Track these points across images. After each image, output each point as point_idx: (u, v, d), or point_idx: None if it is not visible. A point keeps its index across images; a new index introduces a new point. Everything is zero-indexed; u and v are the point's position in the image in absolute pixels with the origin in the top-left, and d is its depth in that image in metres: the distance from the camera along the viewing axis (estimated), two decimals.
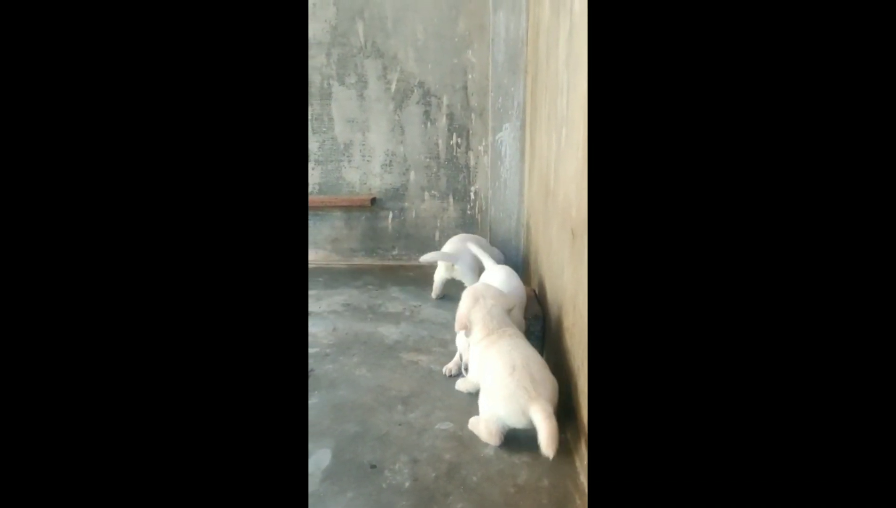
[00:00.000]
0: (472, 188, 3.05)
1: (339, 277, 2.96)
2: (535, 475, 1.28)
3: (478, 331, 1.50)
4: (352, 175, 3.08)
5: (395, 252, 3.16)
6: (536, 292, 2.25)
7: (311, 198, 3.06)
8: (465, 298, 1.58)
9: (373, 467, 1.32)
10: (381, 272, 3.04)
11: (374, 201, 3.06)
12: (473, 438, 1.44)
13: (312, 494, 1.23)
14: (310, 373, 1.85)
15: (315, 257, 3.20)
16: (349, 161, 3.07)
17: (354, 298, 2.66)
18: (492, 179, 2.89)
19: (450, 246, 2.52)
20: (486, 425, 1.39)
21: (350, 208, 3.10)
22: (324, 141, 3.05)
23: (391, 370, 1.85)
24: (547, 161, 1.96)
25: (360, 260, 3.19)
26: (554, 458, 1.34)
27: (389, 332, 2.20)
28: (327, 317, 2.40)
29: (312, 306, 2.52)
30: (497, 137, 2.81)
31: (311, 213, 3.13)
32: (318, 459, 1.36)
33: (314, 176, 3.09)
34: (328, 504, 1.19)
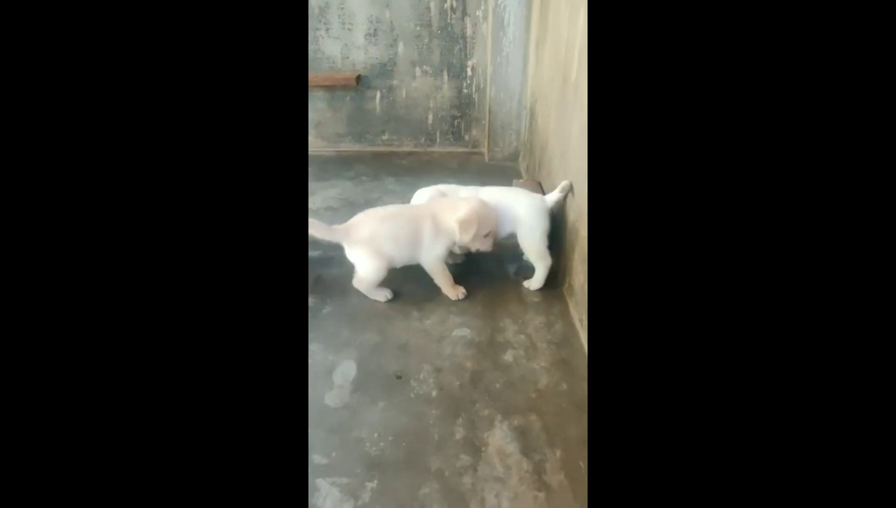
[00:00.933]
0: (469, 63, 2.73)
1: (328, 166, 2.78)
2: (554, 379, 1.36)
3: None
4: (331, 47, 2.69)
5: (384, 137, 2.94)
6: (542, 185, 2.17)
7: None
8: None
9: (398, 377, 1.38)
10: (372, 161, 2.86)
11: (359, 78, 2.73)
12: (492, 345, 1.50)
13: (345, 406, 1.29)
14: (317, 279, 1.83)
15: None
16: (327, 30, 2.65)
17: (349, 191, 2.53)
18: (492, 53, 2.57)
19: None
20: None
21: (333, 88, 2.78)
22: None
23: (401, 272, 1.84)
24: (567, 43, 1.71)
25: (348, 146, 2.97)
26: (572, 363, 1.42)
27: None
28: (324, 215, 2.30)
29: None
30: (500, 1, 2.42)
31: None
32: (345, 370, 1.40)
33: None
34: (363, 415, 1.26)
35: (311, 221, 1.65)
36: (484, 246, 1.69)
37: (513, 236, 1.75)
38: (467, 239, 1.64)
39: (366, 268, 1.65)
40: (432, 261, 1.69)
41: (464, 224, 1.61)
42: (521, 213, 1.71)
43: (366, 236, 1.63)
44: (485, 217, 1.64)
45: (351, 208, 2.38)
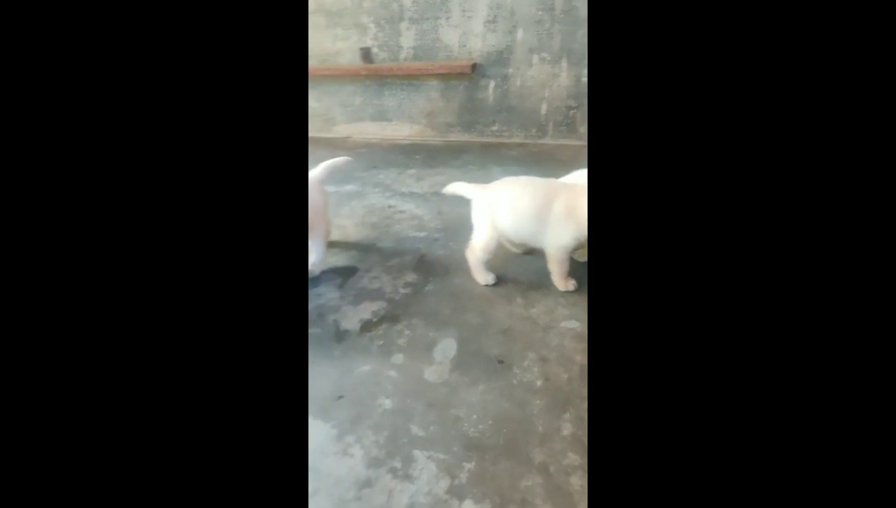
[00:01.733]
0: None
1: (436, 154, 2.79)
2: None
3: None
4: (450, 36, 2.70)
5: (494, 128, 2.89)
6: None
7: (405, 65, 2.78)
8: None
9: (500, 362, 1.30)
10: (480, 151, 2.82)
11: (474, 67, 2.71)
12: None
13: (444, 383, 1.24)
14: (420, 258, 1.83)
15: (410, 132, 3.03)
16: (447, 18, 2.67)
17: (455, 178, 2.50)
18: None
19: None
20: None
21: (448, 77, 2.79)
22: None
23: (503, 259, 1.77)
24: None
25: (457, 136, 2.97)
26: None
27: None
28: (431, 199, 2.31)
29: (414, 186, 2.44)
30: None
31: (405, 82, 2.87)
32: (445, 348, 1.36)
33: (408, 38, 2.76)
34: (461, 394, 1.20)
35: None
36: None
37: None
38: None
39: (477, 235, 1.59)
40: (557, 248, 1.52)
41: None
42: None
43: (489, 199, 1.58)
44: None
45: None
